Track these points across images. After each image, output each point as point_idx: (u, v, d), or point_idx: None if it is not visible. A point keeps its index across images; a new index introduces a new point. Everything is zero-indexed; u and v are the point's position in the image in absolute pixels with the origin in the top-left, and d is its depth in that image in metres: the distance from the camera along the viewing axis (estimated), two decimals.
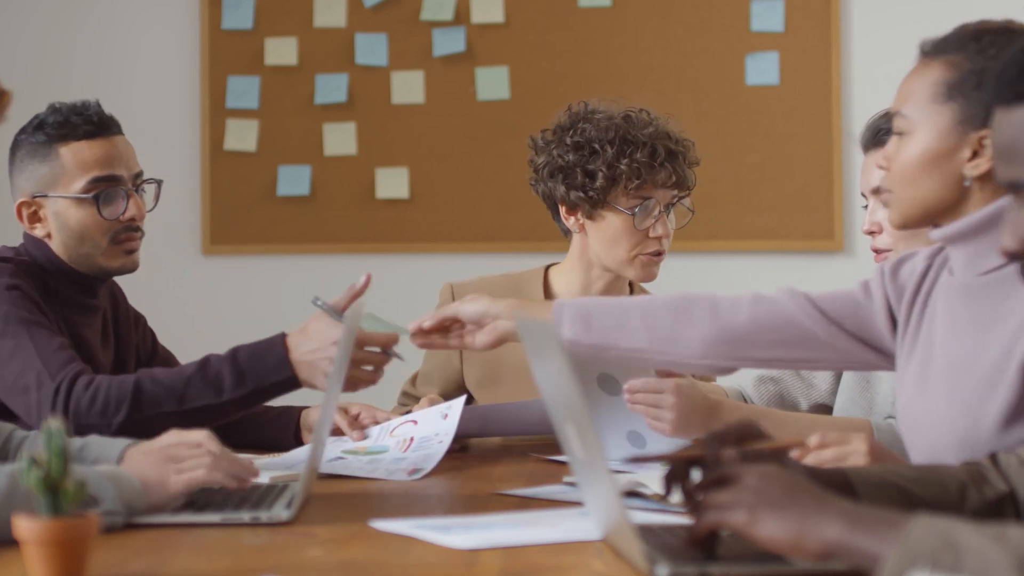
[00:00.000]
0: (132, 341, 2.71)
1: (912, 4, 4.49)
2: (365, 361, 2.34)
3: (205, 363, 2.36)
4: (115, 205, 2.54)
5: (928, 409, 1.87)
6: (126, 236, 2.56)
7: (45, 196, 2.53)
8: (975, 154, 1.85)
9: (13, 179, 2.58)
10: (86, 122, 2.55)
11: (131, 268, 2.59)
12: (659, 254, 2.77)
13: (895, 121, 1.93)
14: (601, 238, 2.78)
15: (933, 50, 1.93)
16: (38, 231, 2.55)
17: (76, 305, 2.56)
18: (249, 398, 2.33)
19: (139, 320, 2.77)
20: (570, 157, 2.77)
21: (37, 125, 2.56)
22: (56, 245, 2.54)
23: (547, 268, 2.92)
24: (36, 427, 2.25)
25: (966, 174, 1.86)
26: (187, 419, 2.23)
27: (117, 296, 2.72)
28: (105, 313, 2.65)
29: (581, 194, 2.76)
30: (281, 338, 2.35)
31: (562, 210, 2.82)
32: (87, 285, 2.57)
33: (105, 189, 2.53)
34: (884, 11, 4.52)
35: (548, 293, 2.88)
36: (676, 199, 2.78)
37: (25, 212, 2.55)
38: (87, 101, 2.58)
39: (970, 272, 1.87)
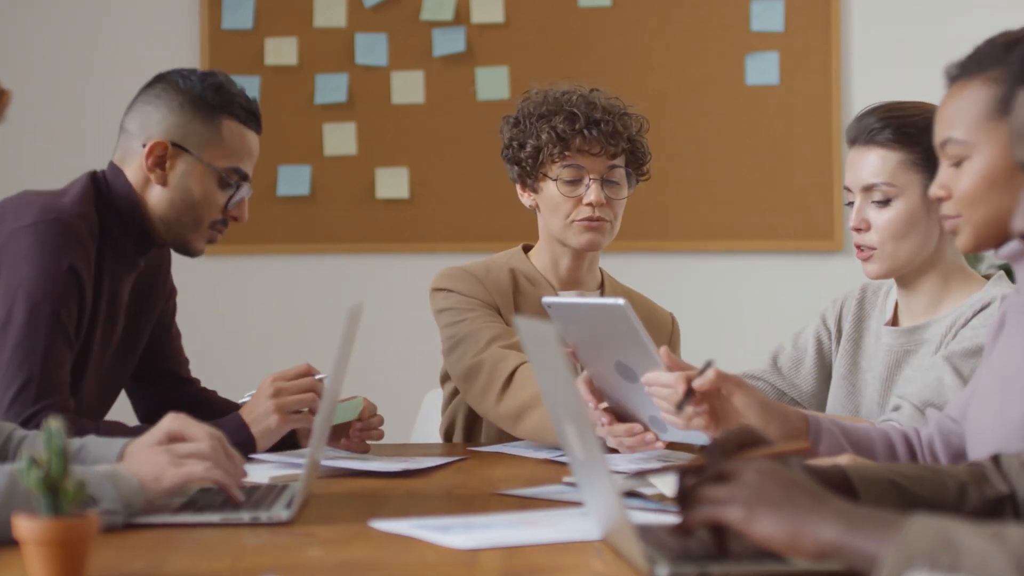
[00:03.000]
0: (155, 311, 2.70)
1: (912, 4, 4.49)
2: (299, 403, 2.43)
3: None
4: (239, 198, 2.57)
5: (984, 422, 1.88)
6: (220, 229, 2.58)
7: (188, 152, 2.51)
8: None
9: (152, 113, 2.52)
10: (252, 111, 2.57)
11: (197, 253, 2.61)
12: (598, 221, 2.79)
13: (947, 148, 1.89)
14: (545, 209, 2.85)
15: (965, 71, 1.89)
16: (153, 176, 2.51)
17: (125, 260, 2.54)
18: None
19: (173, 294, 2.78)
20: (508, 133, 2.87)
21: (210, 84, 2.53)
22: (160, 196, 2.52)
23: (524, 250, 2.97)
24: None
25: None
26: None
27: (165, 262, 2.73)
28: (141, 275, 2.63)
29: (518, 167, 2.85)
30: (237, 412, 2.44)
31: (517, 189, 2.89)
32: (143, 240, 2.55)
33: (240, 180, 2.55)
34: (884, 11, 4.52)
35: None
36: (611, 170, 2.81)
37: (156, 153, 2.51)
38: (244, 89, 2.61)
39: None
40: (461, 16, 4.55)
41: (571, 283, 2.89)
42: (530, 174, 2.83)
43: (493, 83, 4.54)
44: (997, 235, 1.89)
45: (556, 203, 2.81)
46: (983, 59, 1.87)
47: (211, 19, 4.57)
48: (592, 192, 2.78)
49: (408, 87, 4.57)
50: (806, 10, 4.50)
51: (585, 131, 2.78)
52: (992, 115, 1.85)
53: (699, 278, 4.56)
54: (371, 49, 4.57)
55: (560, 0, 4.56)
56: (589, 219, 2.79)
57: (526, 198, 2.88)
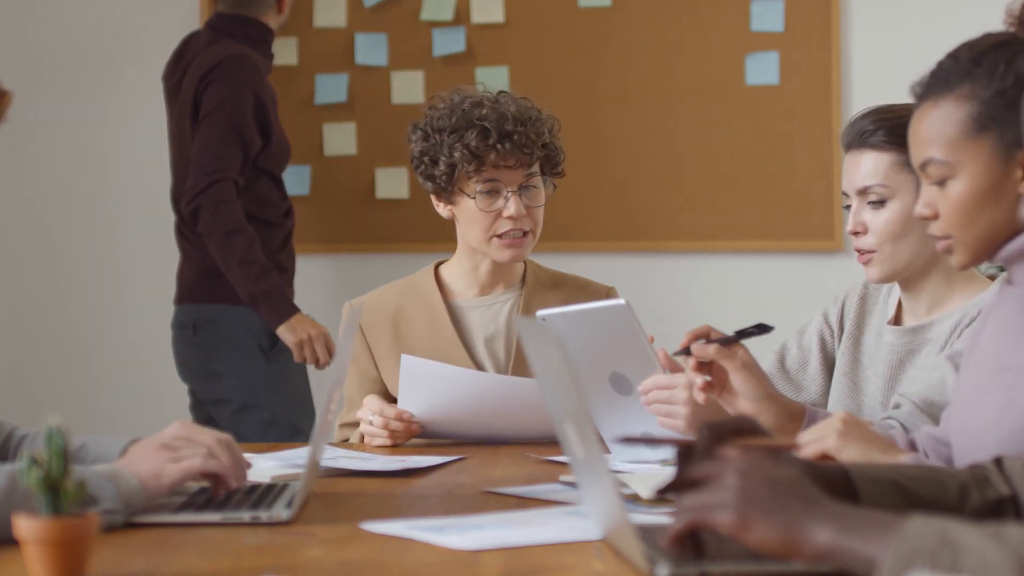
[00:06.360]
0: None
1: (912, 4, 4.49)
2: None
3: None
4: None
5: (979, 415, 1.87)
6: None
7: None
8: None
9: None
10: None
11: None
12: (522, 234, 2.78)
13: (928, 169, 1.87)
14: (463, 221, 2.83)
15: (933, 90, 1.88)
16: None
17: None
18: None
19: None
20: (419, 147, 2.82)
21: None
22: None
23: (437, 265, 2.94)
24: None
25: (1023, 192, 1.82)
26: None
27: None
28: None
29: (431, 183, 2.82)
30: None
31: (432, 200, 2.87)
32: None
33: None
34: (884, 11, 4.52)
35: (441, 288, 2.89)
36: (528, 178, 2.78)
37: None
38: None
39: None
40: (461, 16, 4.55)
41: (491, 285, 2.86)
42: (445, 189, 2.80)
43: (493, 83, 4.53)
44: (992, 248, 1.87)
45: (475, 218, 2.78)
46: (950, 76, 1.86)
47: None
48: (512, 206, 2.76)
49: (408, 87, 4.56)
50: (806, 10, 4.50)
51: (499, 146, 2.74)
52: (969, 134, 1.83)
53: (699, 278, 4.56)
54: (371, 49, 4.57)
55: (560, 0, 4.56)
56: (510, 233, 2.77)
57: (442, 209, 2.86)
